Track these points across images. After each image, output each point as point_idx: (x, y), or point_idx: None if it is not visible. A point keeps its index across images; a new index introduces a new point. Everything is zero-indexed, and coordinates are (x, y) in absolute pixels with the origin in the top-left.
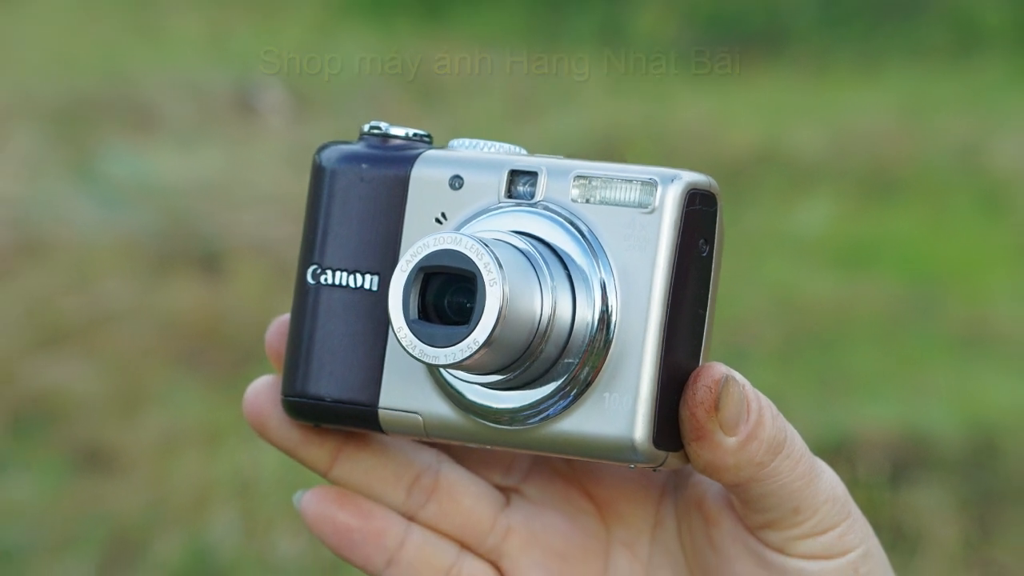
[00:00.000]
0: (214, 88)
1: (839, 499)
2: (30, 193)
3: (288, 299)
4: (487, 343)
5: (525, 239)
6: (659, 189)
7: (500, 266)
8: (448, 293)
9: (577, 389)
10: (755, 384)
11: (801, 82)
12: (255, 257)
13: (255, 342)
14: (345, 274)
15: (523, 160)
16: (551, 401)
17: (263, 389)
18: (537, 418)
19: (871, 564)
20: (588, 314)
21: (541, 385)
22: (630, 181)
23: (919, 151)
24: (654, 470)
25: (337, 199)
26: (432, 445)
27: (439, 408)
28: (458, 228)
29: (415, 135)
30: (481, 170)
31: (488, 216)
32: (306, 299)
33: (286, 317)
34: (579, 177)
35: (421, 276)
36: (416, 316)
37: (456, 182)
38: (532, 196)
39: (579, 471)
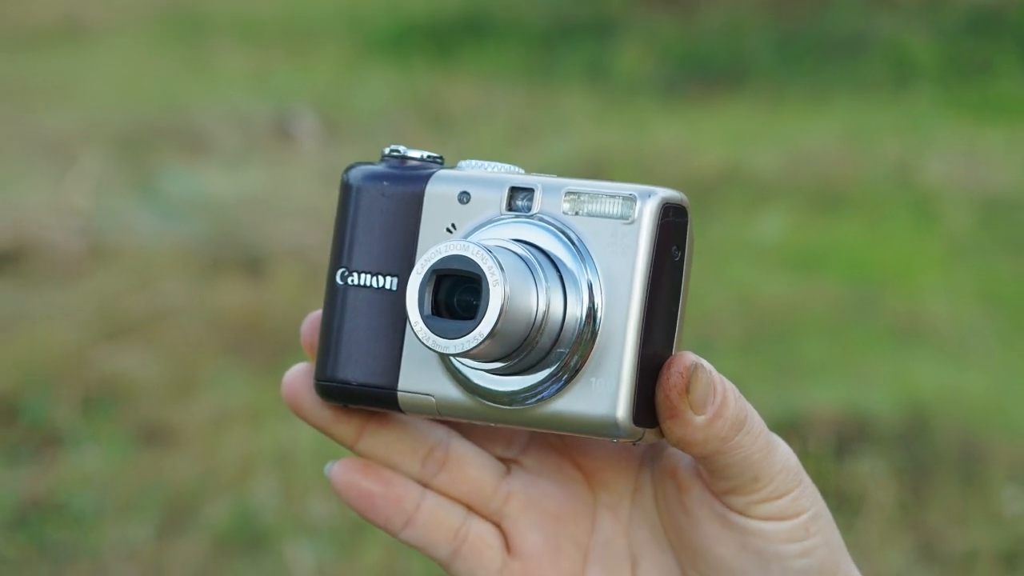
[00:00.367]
0: (256, 117)
1: (792, 469)
2: (99, 206)
3: (320, 297)
4: (491, 335)
5: (523, 246)
6: (638, 203)
7: (502, 269)
8: (457, 292)
9: (568, 375)
10: (720, 370)
11: (759, 111)
12: (291, 261)
13: (291, 334)
14: (369, 276)
15: (521, 178)
16: (545, 385)
17: (298, 375)
18: (533, 399)
19: (820, 524)
20: (577, 310)
21: (537, 371)
22: (613, 196)
23: (860, 170)
24: (634, 444)
25: (362, 212)
26: (443, 423)
27: (450, 391)
28: (466, 236)
29: (429, 157)
30: (485, 187)
31: (491, 226)
32: (335, 298)
33: (318, 313)
34: (569, 193)
35: (434, 278)
36: (430, 312)
37: (464, 197)
38: (529, 209)
39: (569, 445)
